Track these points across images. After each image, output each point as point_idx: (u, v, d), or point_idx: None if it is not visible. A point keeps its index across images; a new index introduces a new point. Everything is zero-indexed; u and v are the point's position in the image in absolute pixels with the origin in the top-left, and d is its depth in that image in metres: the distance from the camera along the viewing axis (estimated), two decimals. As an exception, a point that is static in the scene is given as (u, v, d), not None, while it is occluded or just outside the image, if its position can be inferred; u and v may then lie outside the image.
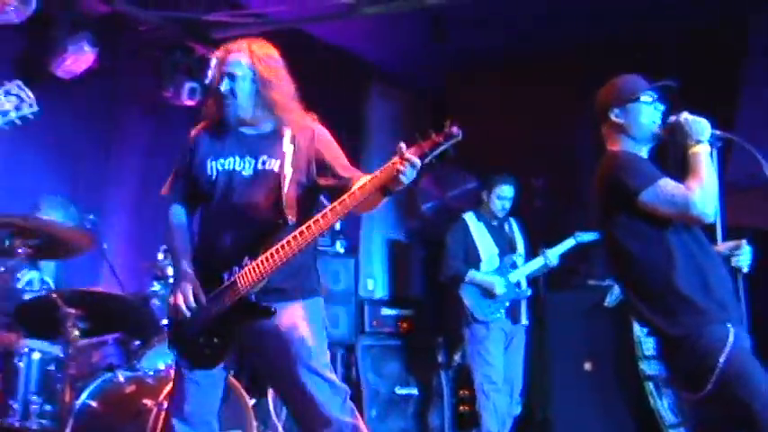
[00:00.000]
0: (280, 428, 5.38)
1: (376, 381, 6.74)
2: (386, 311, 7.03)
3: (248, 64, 3.49)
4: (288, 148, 3.44)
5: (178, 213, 3.53)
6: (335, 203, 3.18)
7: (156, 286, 4.62)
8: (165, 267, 4.69)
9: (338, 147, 3.56)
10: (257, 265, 3.21)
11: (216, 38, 6.36)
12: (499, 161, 6.75)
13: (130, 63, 6.38)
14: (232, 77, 3.43)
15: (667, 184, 3.33)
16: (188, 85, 6.34)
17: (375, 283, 7.67)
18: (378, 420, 6.67)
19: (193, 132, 3.56)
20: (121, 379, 4.37)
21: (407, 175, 3.08)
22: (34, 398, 4.23)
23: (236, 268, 3.26)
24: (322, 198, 3.48)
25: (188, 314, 3.27)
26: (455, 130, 3.14)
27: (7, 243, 4.21)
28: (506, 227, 6.32)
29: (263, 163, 3.41)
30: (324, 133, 3.58)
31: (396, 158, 3.10)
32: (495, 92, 8.00)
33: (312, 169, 3.44)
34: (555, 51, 7.29)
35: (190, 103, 6.43)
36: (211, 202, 3.40)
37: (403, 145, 3.13)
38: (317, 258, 3.64)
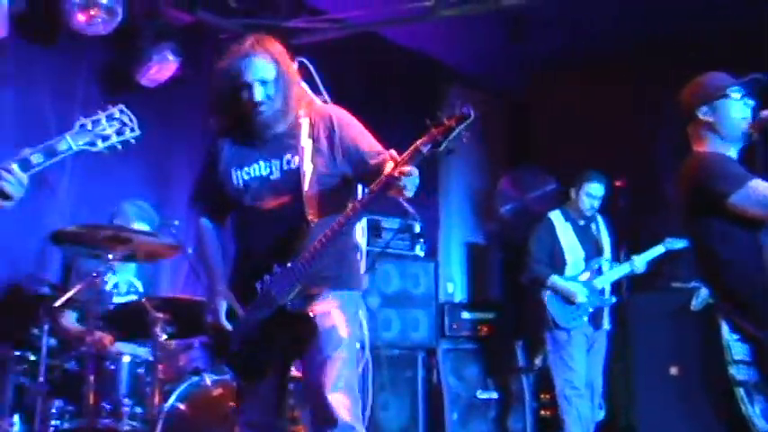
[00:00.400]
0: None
1: (457, 384, 6.72)
2: (465, 315, 7.00)
3: (273, 64, 3.31)
4: (306, 141, 3.30)
5: (207, 227, 3.46)
6: (348, 210, 3.17)
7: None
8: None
9: (361, 126, 3.41)
10: (286, 273, 3.16)
11: (295, 44, 6.43)
12: (580, 161, 6.66)
13: (212, 70, 6.46)
14: (264, 82, 3.27)
15: (758, 186, 3.25)
16: (269, 91, 6.40)
17: (454, 287, 7.65)
18: (459, 424, 6.65)
19: (215, 141, 3.45)
20: (208, 382, 4.44)
21: (408, 188, 3.03)
22: (125, 400, 4.33)
23: (267, 276, 3.20)
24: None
25: (229, 328, 3.26)
26: (467, 110, 3.03)
27: (97, 250, 4.31)
28: (593, 227, 6.17)
29: (288, 162, 3.30)
30: (343, 116, 3.42)
31: (389, 170, 3.03)
32: (574, 92, 7.92)
33: (338, 159, 3.32)
34: (635, 50, 7.19)
35: (270, 108, 6.49)
36: (241, 211, 3.36)
37: (394, 153, 3.08)
38: (359, 251, 3.59)
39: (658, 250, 5.98)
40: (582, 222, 6.13)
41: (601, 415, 6.04)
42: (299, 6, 6.43)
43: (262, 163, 3.32)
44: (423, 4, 6.43)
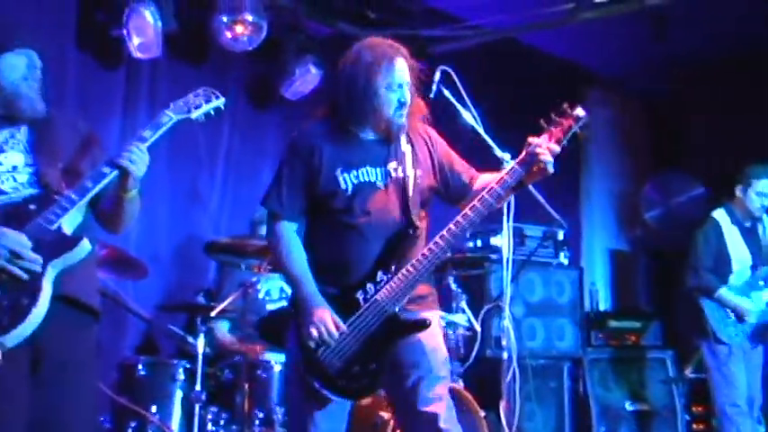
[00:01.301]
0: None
1: (604, 396, 6.54)
2: (612, 324, 6.80)
3: (409, 69, 3.28)
4: (406, 147, 3.26)
5: (293, 232, 3.20)
6: (467, 210, 3.08)
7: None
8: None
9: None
10: (397, 279, 3.05)
11: (435, 53, 6.43)
12: (730, 164, 6.38)
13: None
14: (402, 86, 3.21)
15: None
16: (408, 101, 6.42)
17: (599, 295, 7.48)
18: (607, 437, 6.49)
19: (305, 141, 3.22)
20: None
21: (550, 165, 3.05)
22: (277, 408, 4.41)
23: (371, 285, 3.07)
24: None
25: (333, 344, 3.02)
26: (581, 111, 3.04)
27: (249, 260, 4.41)
28: (760, 228, 5.72)
29: (395, 169, 3.20)
30: (435, 134, 3.40)
31: (532, 150, 3.08)
32: (722, 92, 7.62)
33: (435, 171, 3.30)
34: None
35: (409, 118, 6.51)
36: (340, 216, 3.14)
37: (533, 138, 3.10)
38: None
39: None
40: (748, 224, 5.61)
41: (761, 430, 5.73)
42: (437, 15, 6.43)
43: (368, 168, 3.18)
44: (563, 7, 6.33)
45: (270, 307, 5.07)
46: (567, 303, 6.52)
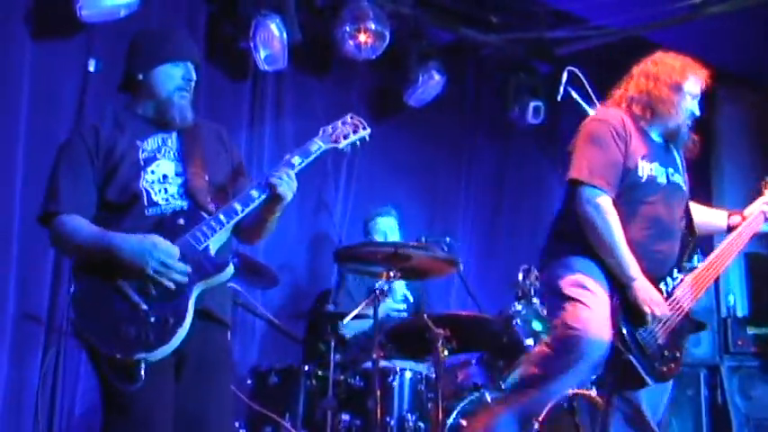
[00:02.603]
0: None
1: (745, 405, 6.26)
2: (751, 329, 6.52)
3: None
4: (681, 161, 3.59)
5: (612, 208, 3.39)
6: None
7: (518, 306, 4.62)
8: (526, 287, 4.69)
9: None
10: (695, 281, 3.44)
11: (559, 55, 6.33)
12: None
13: (476, 86, 6.52)
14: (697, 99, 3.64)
15: None
16: (532, 105, 6.33)
17: (736, 300, 7.18)
18: (749, 448, 6.21)
19: (619, 122, 3.52)
20: (488, 398, 4.41)
21: None
22: (408, 415, 4.39)
23: (670, 279, 3.40)
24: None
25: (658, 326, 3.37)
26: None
27: (376, 267, 4.42)
28: None
29: (672, 175, 3.51)
30: None
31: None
32: None
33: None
34: None
35: (534, 122, 6.43)
36: (640, 205, 3.44)
37: None
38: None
39: None
40: None
41: None
42: (559, 16, 6.31)
43: (657, 165, 3.52)
44: (689, 2, 6.14)
45: (394, 307, 5.05)
46: (702, 309, 6.25)
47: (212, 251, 2.88)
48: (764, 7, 6.10)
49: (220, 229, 2.88)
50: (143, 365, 2.70)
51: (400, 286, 5.22)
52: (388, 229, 5.29)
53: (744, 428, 6.21)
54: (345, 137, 3.14)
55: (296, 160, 2.99)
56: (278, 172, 2.94)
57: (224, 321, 3.00)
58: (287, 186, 2.93)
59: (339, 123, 3.17)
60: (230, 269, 2.87)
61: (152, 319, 2.73)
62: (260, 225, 3.07)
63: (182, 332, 2.75)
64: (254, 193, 2.92)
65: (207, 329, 2.90)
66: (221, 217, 2.89)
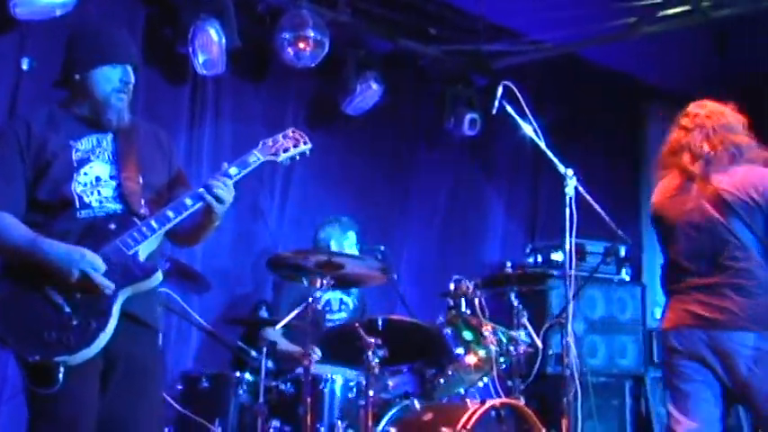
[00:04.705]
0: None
1: (667, 415, 6.43)
2: (675, 342, 6.69)
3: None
4: None
5: None
6: None
7: (450, 315, 4.68)
8: (456, 297, 4.75)
9: None
10: None
11: (496, 68, 6.43)
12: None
13: (413, 97, 6.58)
14: None
15: None
16: (469, 117, 6.43)
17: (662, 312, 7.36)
18: (670, 456, 6.36)
19: None
20: (418, 407, 4.45)
21: None
22: (338, 422, 4.41)
23: None
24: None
25: None
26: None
27: (310, 275, 4.43)
28: None
29: None
30: None
31: None
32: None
33: None
34: None
35: (470, 133, 6.52)
36: None
37: None
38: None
39: None
40: None
41: None
42: (498, 31, 6.42)
43: None
44: (624, 21, 6.29)
45: (329, 317, 5.10)
46: (628, 320, 6.45)
47: (142, 257, 2.88)
48: (696, 28, 6.28)
49: (151, 235, 2.88)
50: (62, 369, 2.69)
51: (336, 293, 5.26)
52: (335, 238, 5.29)
53: (666, 437, 6.37)
54: (285, 150, 3.17)
55: (233, 171, 3.01)
56: (215, 181, 2.95)
57: (152, 326, 2.99)
58: (224, 196, 2.94)
59: (280, 137, 3.19)
60: (158, 275, 2.88)
61: (74, 323, 2.73)
62: (195, 232, 3.08)
63: (104, 336, 2.75)
64: (188, 201, 2.93)
65: (135, 334, 2.90)
66: (153, 223, 2.89)
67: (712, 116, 3.91)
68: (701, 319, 3.64)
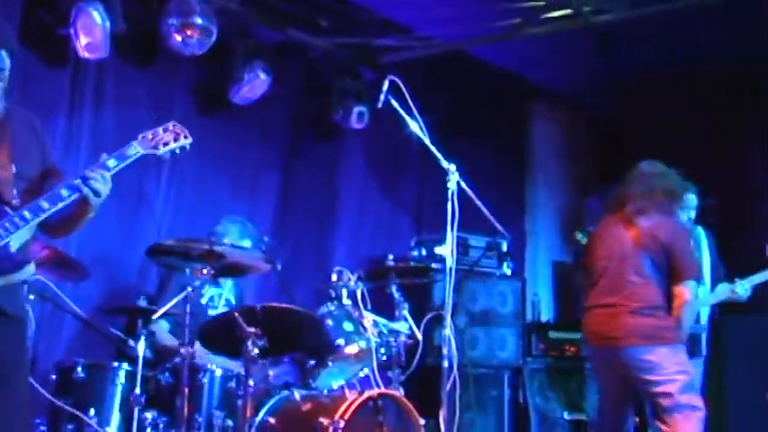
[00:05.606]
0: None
1: (543, 405, 6.63)
2: (553, 334, 6.90)
3: None
4: None
5: None
6: None
7: (331, 307, 4.71)
8: (338, 288, 4.79)
9: None
10: None
11: (384, 62, 6.49)
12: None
13: (302, 88, 6.57)
14: None
15: None
16: (357, 110, 6.47)
17: (542, 306, 7.58)
18: (544, 445, 6.57)
19: None
20: (297, 397, 4.48)
21: None
22: (217, 412, 4.39)
23: None
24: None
25: None
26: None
27: (191, 263, 4.40)
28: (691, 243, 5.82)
29: None
30: None
31: None
32: (663, 108, 7.79)
33: None
34: (725, 65, 7.04)
35: (358, 126, 6.55)
36: None
37: None
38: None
39: (763, 276, 5.45)
40: None
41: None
42: (387, 25, 6.48)
43: None
44: (510, 21, 6.43)
45: (212, 313, 5.07)
46: (509, 313, 6.61)
47: (13, 248, 2.82)
48: (578, 32, 6.47)
49: (24, 225, 2.82)
50: None
51: (223, 289, 5.23)
52: (231, 237, 5.23)
53: (541, 426, 6.56)
54: (165, 144, 3.17)
55: (111, 163, 2.99)
56: (92, 173, 2.91)
57: (18, 317, 2.93)
58: (101, 188, 2.90)
59: (160, 130, 3.19)
60: (30, 268, 2.84)
61: None
62: (68, 223, 3.03)
63: None
64: (64, 192, 2.88)
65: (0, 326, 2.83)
66: (26, 214, 2.83)
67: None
68: None
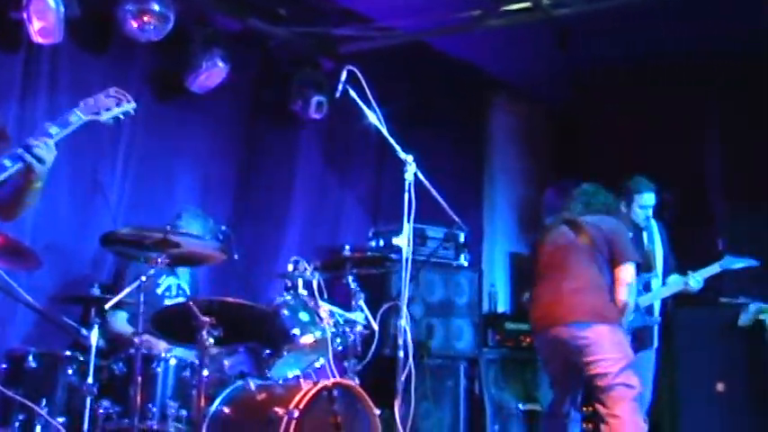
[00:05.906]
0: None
1: (498, 395, 6.68)
2: (509, 326, 6.96)
3: None
4: None
5: None
6: None
7: (287, 296, 4.70)
8: (294, 278, 4.78)
9: None
10: None
11: (343, 52, 6.47)
12: (627, 172, 6.60)
13: (261, 77, 6.53)
14: None
15: None
16: (315, 99, 6.44)
17: (498, 297, 7.62)
18: (500, 435, 6.62)
19: None
20: (252, 387, 4.46)
21: None
22: (171, 402, 4.36)
23: None
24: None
25: None
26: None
27: (146, 252, 4.36)
28: (645, 236, 5.95)
29: None
30: None
31: None
32: (622, 102, 7.87)
33: None
34: (683, 61, 7.12)
35: (317, 116, 6.53)
36: None
37: None
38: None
39: (714, 269, 5.68)
40: (631, 233, 5.69)
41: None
42: (347, 15, 6.46)
43: None
44: (470, 13, 6.44)
45: (168, 303, 5.03)
46: (465, 304, 6.65)
47: None
48: (537, 25, 6.50)
49: None
50: None
51: (178, 279, 5.19)
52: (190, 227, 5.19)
53: (496, 416, 6.61)
54: (107, 109, 3.15)
55: (54, 130, 2.99)
56: (35, 141, 2.89)
57: None
58: (45, 156, 2.88)
59: (101, 96, 3.17)
60: None
61: None
62: (17, 199, 2.99)
63: None
64: (7, 162, 2.86)
65: None
66: None
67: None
68: None
